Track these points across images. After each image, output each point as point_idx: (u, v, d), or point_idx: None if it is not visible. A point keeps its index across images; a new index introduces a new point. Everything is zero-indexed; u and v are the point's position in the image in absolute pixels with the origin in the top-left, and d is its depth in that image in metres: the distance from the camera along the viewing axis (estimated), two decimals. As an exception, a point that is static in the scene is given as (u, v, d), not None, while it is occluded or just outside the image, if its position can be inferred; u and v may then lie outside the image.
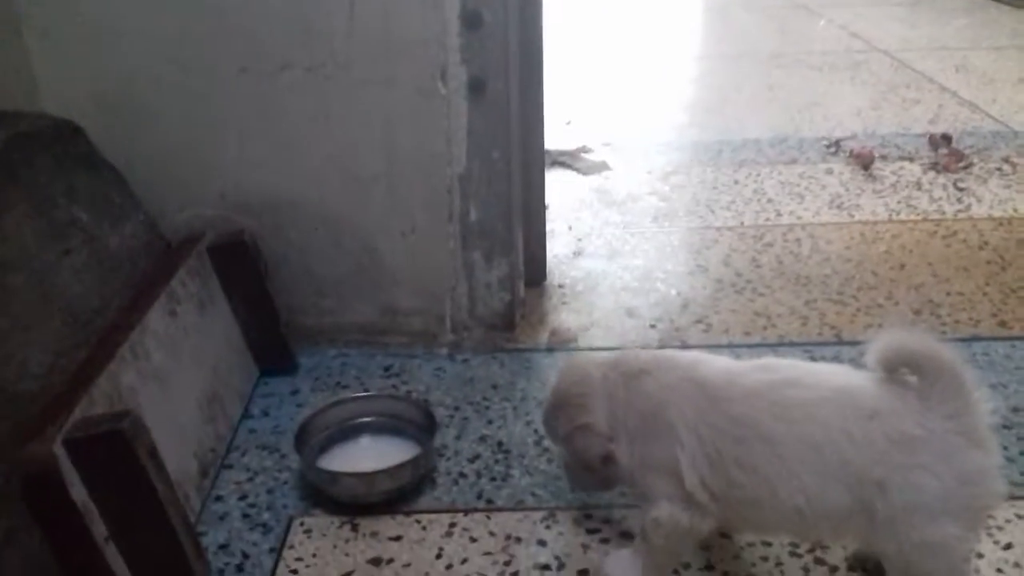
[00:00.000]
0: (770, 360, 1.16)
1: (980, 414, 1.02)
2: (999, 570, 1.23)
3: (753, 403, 1.09)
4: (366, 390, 1.64)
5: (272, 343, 1.67)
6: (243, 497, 1.41)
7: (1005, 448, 1.46)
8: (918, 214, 2.35)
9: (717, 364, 1.16)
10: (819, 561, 1.25)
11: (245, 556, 1.29)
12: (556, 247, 2.19)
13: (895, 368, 1.05)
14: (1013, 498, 1.35)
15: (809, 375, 1.11)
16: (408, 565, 1.27)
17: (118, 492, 1.10)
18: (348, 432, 1.50)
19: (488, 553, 1.28)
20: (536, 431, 1.53)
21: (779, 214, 2.38)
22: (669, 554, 1.19)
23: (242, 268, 1.60)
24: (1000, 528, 1.30)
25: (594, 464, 1.18)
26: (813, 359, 1.67)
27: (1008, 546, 1.27)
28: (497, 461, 1.48)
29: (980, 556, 1.24)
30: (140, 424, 1.12)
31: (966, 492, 1.01)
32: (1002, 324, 1.84)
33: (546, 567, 1.26)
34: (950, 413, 1.01)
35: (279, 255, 1.70)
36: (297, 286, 1.74)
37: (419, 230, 1.71)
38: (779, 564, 1.25)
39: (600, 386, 1.19)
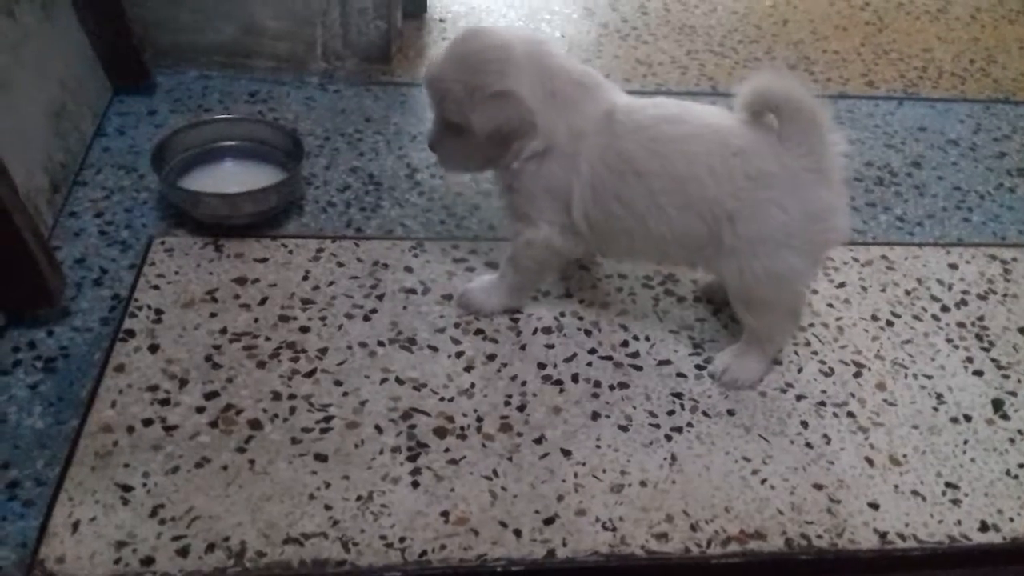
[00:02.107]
0: (661, 99, 1.15)
1: (832, 156, 1.06)
2: (830, 304, 1.33)
3: (636, 138, 1.09)
4: (230, 114, 1.56)
5: (125, 58, 1.55)
6: (99, 215, 1.35)
7: (853, 199, 1.55)
8: (808, -29, 2.32)
9: (623, 98, 1.15)
10: (669, 292, 1.33)
11: (103, 271, 1.26)
12: (440, -22, 2.07)
13: (760, 110, 1.07)
14: (852, 243, 1.45)
15: (688, 113, 1.12)
16: (274, 285, 1.27)
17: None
18: (211, 154, 1.43)
19: (355, 277, 1.30)
20: (408, 164, 1.52)
21: (671, -39, 2.29)
22: (533, 276, 1.23)
23: (87, -29, 1.44)
24: (836, 269, 1.39)
25: (505, 132, 1.10)
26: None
27: (841, 285, 1.37)
28: (368, 192, 1.46)
29: (815, 292, 1.34)
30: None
31: (811, 227, 1.07)
32: (870, 84, 1.88)
33: (411, 291, 1.29)
34: (804, 153, 1.05)
35: (129, -40, 1.54)
36: (151, -4, 1.60)
37: (286, -58, 1.57)
38: (632, 294, 1.32)
39: (526, 62, 1.09)
